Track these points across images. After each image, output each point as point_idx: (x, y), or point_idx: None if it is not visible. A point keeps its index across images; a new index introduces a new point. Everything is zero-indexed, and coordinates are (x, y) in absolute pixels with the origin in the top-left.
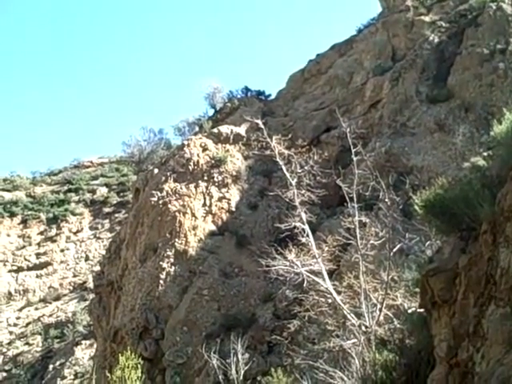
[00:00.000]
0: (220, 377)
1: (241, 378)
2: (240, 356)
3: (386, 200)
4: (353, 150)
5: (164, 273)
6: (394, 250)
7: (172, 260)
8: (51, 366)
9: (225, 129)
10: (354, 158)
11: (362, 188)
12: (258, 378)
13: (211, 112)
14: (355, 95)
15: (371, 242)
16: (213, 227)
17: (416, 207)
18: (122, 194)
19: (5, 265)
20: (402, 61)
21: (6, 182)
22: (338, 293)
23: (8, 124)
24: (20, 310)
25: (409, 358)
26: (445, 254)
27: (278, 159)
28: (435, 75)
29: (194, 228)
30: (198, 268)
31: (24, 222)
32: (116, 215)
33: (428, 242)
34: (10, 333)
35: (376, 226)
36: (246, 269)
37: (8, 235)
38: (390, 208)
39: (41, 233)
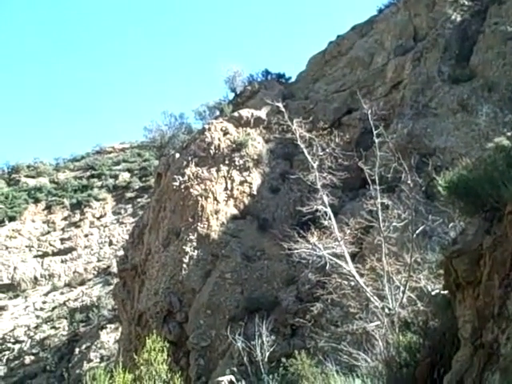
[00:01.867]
0: (245, 359)
1: (265, 360)
2: (265, 338)
3: (409, 182)
4: (374, 132)
5: (187, 257)
6: (417, 231)
7: (195, 244)
8: (77, 350)
9: (245, 112)
10: (376, 140)
11: (384, 170)
12: (283, 361)
13: (231, 96)
14: (376, 76)
15: (394, 224)
16: (235, 211)
17: (439, 188)
18: (144, 178)
19: (30, 250)
20: (424, 40)
21: (29, 168)
22: (361, 275)
23: (31, 112)
24: (46, 294)
25: (433, 340)
26: (469, 235)
27: (299, 142)
28: (458, 55)
29: (216, 212)
30: (220, 252)
31: (48, 207)
32: (138, 200)
33: (451, 224)
34: (37, 317)
35: (398, 208)
36: (268, 252)
37: (33, 221)
38: (413, 190)
39: (65, 218)
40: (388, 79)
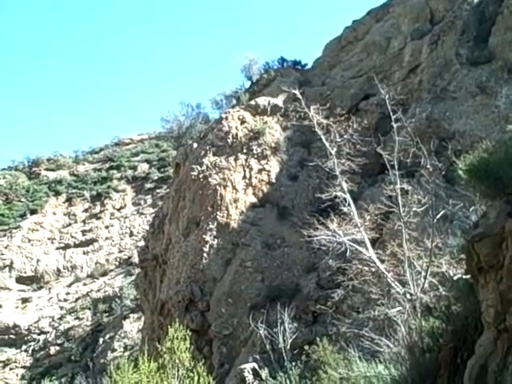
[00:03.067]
0: (267, 346)
1: (288, 347)
2: (287, 326)
3: (428, 166)
4: (392, 117)
5: (207, 246)
6: (438, 216)
7: (215, 233)
8: (101, 340)
9: (262, 100)
10: (394, 125)
11: (403, 155)
12: (306, 348)
13: (248, 84)
14: (393, 61)
15: (414, 209)
16: (254, 199)
17: (459, 172)
18: (162, 169)
19: (52, 242)
20: (441, 23)
21: (49, 161)
22: (382, 261)
23: (50, 106)
24: (69, 285)
25: (456, 325)
26: (490, 218)
27: (316, 129)
28: (475, 36)
29: (235, 201)
30: (240, 240)
31: (69, 200)
32: (158, 190)
33: (472, 208)
34: (61, 308)
35: (418, 193)
36: (288, 240)
37: (54, 213)
38: (433, 174)
39: (85, 210)
40: (405, 63)
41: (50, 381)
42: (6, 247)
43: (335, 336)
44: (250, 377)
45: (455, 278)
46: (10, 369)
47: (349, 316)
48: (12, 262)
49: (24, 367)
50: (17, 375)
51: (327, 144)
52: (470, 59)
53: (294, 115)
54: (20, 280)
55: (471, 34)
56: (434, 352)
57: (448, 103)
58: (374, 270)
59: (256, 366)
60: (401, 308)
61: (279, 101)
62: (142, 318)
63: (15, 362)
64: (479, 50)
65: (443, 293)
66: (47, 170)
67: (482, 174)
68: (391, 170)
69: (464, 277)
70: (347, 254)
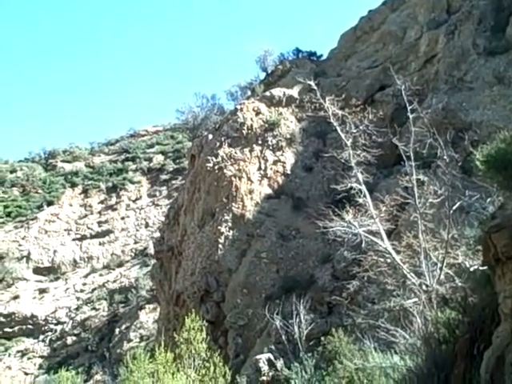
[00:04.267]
0: (283, 337)
1: (304, 338)
2: (302, 317)
3: (445, 157)
4: (408, 108)
5: (222, 237)
6: (454, 207)
7: (230, 224)
8: (117, 330)
9: (277, 92)
10: (410, 116)
11: (419, 146)
12: (322, 339)
13: (263, 75)
14: (409, 51)
15: (430, 200)
16: (269, 190)
17: (477, 163)
18: (177, 160)
19: (69, 234)
20: (458, 13)
21: (65, 153)
22: (397, 252)
23: (66, 98)
24: (85, 276)
25: (472, 316)
26: (508, 209)
27: (332, 120)
28: (493, 26)
29: (251, 192)
30: (255, 231)
31: (85, 191)
32: (173, 182)
33: (489, 199)
34: (77, 298)
35: (434, 184)
36: (303, 231)
37: (70, 205)
38: (449, 165)
39: (101, 202)
40: (421, 53)
41: (67, 370)
42: (23, 238)
43: (350, 327)
44: (265, 367)
45: (472, 269)
46: (28, 358)
47: (364, 307)
48: (29, 253)
49: (42, 357)
50: (34, 364)
51: (342, 135)
52: (488, 49)
53: (310, 106)
54: (37, 271)
55: (488, 24)
56: (451, 343)
57: (465, 93)
58: (389, 261)
59: (271, 357)
60: (416, 299)
61: (294, 92)
62: (158, 309)
63: (33, 352)
64: (496, 40)
65: (459, 284)
66: (63, 161)
67: (500, 164)
68: (407, 161)
69: (481, 268)
70: (362, 245)
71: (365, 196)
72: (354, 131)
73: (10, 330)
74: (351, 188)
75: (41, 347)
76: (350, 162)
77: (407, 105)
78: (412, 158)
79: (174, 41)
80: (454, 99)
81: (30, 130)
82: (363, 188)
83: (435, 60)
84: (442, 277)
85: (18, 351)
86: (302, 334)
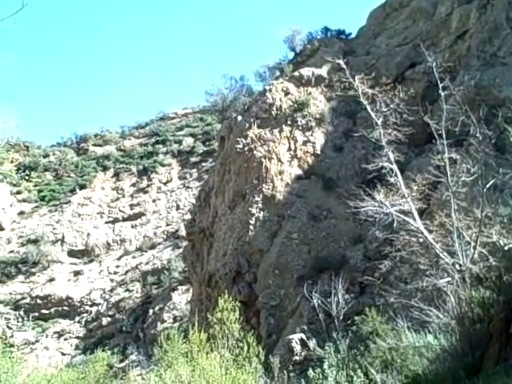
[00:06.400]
0: (316, 317)
1: (341, 317)
2: (340, 296)
3: (478, 135)
4: (440, 85)
5: (253, 218)
6: (488, 185)
7: (260, 205)
8: (151, 311)
9: (306, 71)
10: (442, 93)
11: (451, 124)
12: (356, 318)
13: (291, 55)
14: (440, 27)
15: (462, 178)
16: (299, 171)
17: (511, 140)
18: (207, 143)
19: (101, 217)
20: None
21: (97, 137)
22: (430, 232)
23: (96, 82)
24: (119, 258)
25: (507, 295)
26: None
27: (361, 99)
28: None
29: (281, 173)
30: (286, 212)
31: (116, 175)
32: (203, 164)
33: None
34: (111, 280)
35: (467, 162)
36: (334, 211)
37: (102, 188)
38: (482, 143)
39: (133, 185)
40: (453, 29)
41: (103, 351)
42: (57, 222)
43: (383, 307)
44: (297, 347)
45: (506, 247)
46: (65, 339)
47: (396, 287)
48: (63, 236)
49: (78, 337)
50: (71, 345)
51: (373, 114)
52: None
53: (339, 85)
54: (71, 253)
55: None
56: (485, 322)
57: (498, 69)
58: (421, 240)
59: (304, 337)
60: (450, 279)
61: (323, 71)
62: (190, 290)
63: (69, 333)
64: None
65: (494, 263)
66: (95, 145)
67: None
68: (439, 140)
69: None
70: (394, 224)
71: (396, 175)
72: (385, 110)
73: (46, 311)
74: (382, 167)
75: (77, 328)
76: (381, 142)
77: (439, 82)
78: (444, 136)
79: (202, 23)
80: (486, 75)
81: (61, 115)
82: (394, 167)
83: (467, 36)
84: (476, 256)
85: (54, 332)
86: (340, 313)
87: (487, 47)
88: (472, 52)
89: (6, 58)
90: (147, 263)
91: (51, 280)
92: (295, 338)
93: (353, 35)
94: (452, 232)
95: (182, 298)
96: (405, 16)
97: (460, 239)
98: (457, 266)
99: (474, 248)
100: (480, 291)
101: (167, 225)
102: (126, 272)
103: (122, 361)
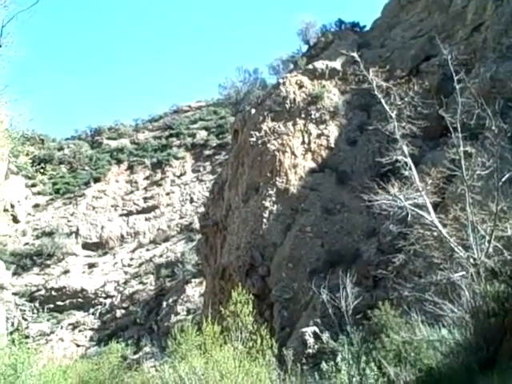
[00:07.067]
0: (330, 310)
1: (350, 311)
2: (349, 290)
3: (493, 128)
4: (455, 78)
5: (267, 211)
6: (503, 179)
7: (274, 198)
8: (165, 303)
9: (320, 64)
10: (457, 86)
11: (467, 117)
12: (368, 312)
13: (305, 48)
14: (456, 19)
15: (478, 172)
16: (313, 164)
17: None
18: (220, 136)
19: (116, 209)
20: None
21: (111, 130)
22: (444, 225)
23: (110, 76)
24: (132, 251)
25: None
26: None
27: (376, 92)
28: None
29: (294, 166)
30: (299, 205)
31: (130, 168)
32: (216, 157)
33: None
34: (125, 273)
35: (482, 155)
36: (347, 205)
37: (117, 181)
38: (498, 136)
39: (147, 178)
40: (468, 22)
41: (117, 342)
42: (72, 214)
43: (396, 300)
44: (310, 340)
45: None
46: (79, 331)
47: (410, 280)
48: (78, 229)
49: (92, 329)
50: (85, 337)
51: (387, 107)
52: None
53: (353, 78)
54: (86, 246)
55: None
56: (500, 316)
57: None
58: (436, 234)
59: (317, 330)
60: (464, 272)
61: (337, 64)
62: (204, 283)
63: (84, 325)
64: None
65: (508, 257)
66: (109, 138)
67: None
68: (454, 133)
69: None
70: (408, 218)
71: (410, 169)
72: (399, 103)
73: (61, 303)
74: (396, 161)
75: (91, 320)
76: (395, 135)
77: (454, 75)
78: (459, 129)
79: (216, 16)
80: (502, 68)
81: (76, 109)
82: (409, 160)
83: (483, 28)
84: (491, 250)
85: (69, 324)
86: (350, 307)
87: (503, 39)
88: (488, 44)
89: (22, 50)
90: (161, 256)
91: (66, 272)
92: (308, 331)
93: (367, 28)
94: (466, 226)
95: (195, 291)
96: (420, 8)
97: (475, 233)
98: (471, 260)
99: (489, 242)
100: (495, 285)
101: (181, 218)
102: (140, 265)
103: (135, 352)
